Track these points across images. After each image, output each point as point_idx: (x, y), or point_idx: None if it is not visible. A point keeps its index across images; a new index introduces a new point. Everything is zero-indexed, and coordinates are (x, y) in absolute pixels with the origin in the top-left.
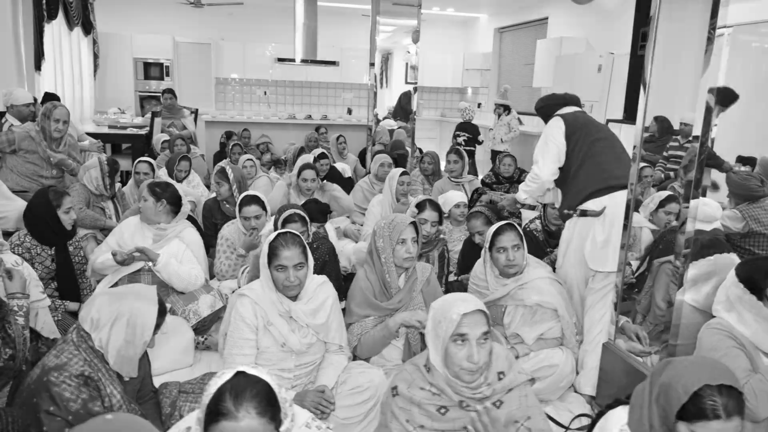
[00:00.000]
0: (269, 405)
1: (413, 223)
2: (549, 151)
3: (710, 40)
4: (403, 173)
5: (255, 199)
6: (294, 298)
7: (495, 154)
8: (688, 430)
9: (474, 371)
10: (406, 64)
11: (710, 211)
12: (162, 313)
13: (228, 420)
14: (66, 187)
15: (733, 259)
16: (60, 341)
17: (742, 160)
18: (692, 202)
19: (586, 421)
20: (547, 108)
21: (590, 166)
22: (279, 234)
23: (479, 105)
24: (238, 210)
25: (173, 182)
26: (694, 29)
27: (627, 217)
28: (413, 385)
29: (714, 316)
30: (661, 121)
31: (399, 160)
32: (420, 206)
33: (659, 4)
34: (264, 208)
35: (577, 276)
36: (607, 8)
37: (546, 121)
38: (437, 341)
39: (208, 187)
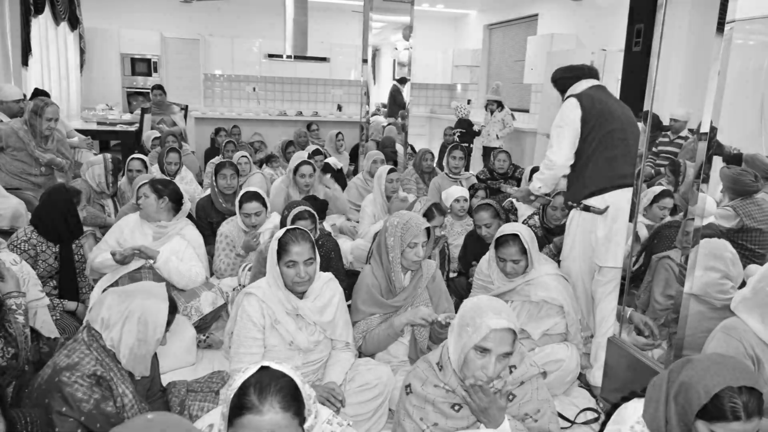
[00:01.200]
0: (293, 400)
1: (427, 228)
2: (564, 135)
3: (721, 32)
4: (390, 170)
5: (256, 196)
6: (301, 296)
7: (487, 151)
8: (707, 429)
9: (484, 381)
10: (394, 60)
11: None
12: (173, 310)
13: (252, 414)
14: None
15: (725, 243)
16: (70, 341)
17: (728, 158)
18: (700, 196)
19: (591, 415)
20: (563, 80)
21: (599, 161)
22: (288, 230)
23: (469, 101)
24: (239, 207)
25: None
26: (684, 26)
27: (632, 215)
28: (427, 382)
29: (713, 305)
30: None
31: (390, 158)
32: (428, 214)
33: (666, 3)
34: (264, 204)
35: (582, 269)
36: (601, 4)
37: (561, 92)
38: (459, 342)
39: (200, 184)
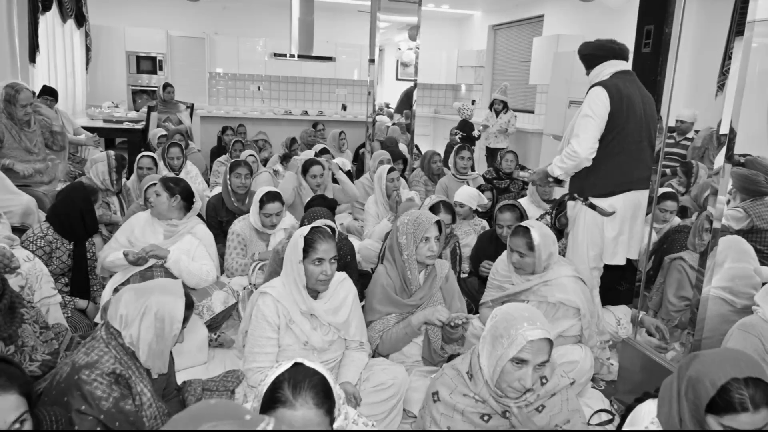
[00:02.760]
0: (326, 398)
1: (437, 222)
2: (591, 126)
3: (740, 33)
4: (390, 170)
5: (277, 196)
6: (315, 297)
7: (491, 151)
8: (717, 423)
9: (521, 391)
10: (397, 60)
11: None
12: (190, 306)
13: (285, 408)
14: (54, 174)
15: (738, 239)
16: (88, 338)
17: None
18: (719, 197)
19: (605, 417)
20: (591, 57)
21: (612, 165)
22: (313, 228)
23: (473, 102)
24: (260, 207)
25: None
26: (689, 27)
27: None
28: (456, 391)
29: (735, 308)
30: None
31: (399, 156)
32: (434, 209)
33: (684, 5)
34: (282, 204)
35: (589, 267)
36: (611, 5)
37: (587, 67)
38: (494, 354)
39: (207, 182)
